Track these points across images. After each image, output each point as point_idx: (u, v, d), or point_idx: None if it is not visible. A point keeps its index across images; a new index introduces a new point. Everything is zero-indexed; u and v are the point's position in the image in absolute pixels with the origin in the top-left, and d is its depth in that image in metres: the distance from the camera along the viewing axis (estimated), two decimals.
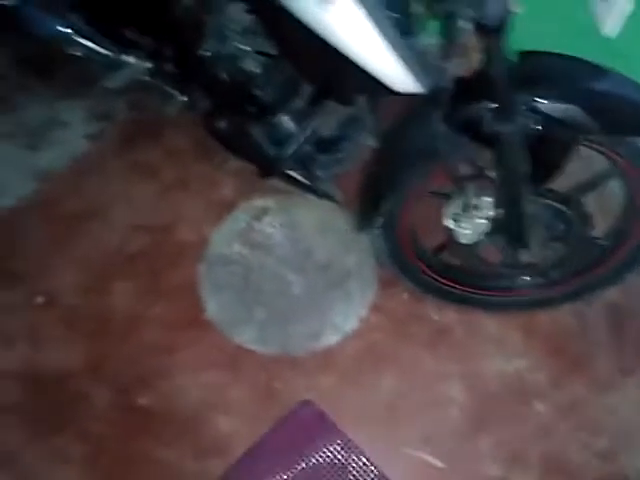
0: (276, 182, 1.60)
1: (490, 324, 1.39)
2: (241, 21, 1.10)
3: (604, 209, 1.24)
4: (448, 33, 0.81)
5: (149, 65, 1.33)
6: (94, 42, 1.36)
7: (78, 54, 1.38)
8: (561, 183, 1.07)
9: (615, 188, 1.15)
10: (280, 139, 1.22)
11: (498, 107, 0.88)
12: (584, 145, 0.99)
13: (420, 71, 0.81)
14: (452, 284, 1.30)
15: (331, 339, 1.40)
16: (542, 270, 1.27)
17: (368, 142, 1.33)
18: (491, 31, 0.78)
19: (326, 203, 1.54)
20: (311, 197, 1.51)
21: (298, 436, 1.27)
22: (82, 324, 1.42)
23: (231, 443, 1.28)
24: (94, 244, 1.52)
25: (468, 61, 0.86)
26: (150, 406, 1.32)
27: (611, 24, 0.82)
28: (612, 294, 1.34)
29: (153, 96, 1.38)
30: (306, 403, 1.29)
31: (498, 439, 1.27)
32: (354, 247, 1.52)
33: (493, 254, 1.24)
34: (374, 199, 1.15)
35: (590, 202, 1.17)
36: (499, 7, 0.75)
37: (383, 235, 1.20)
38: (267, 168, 1.28)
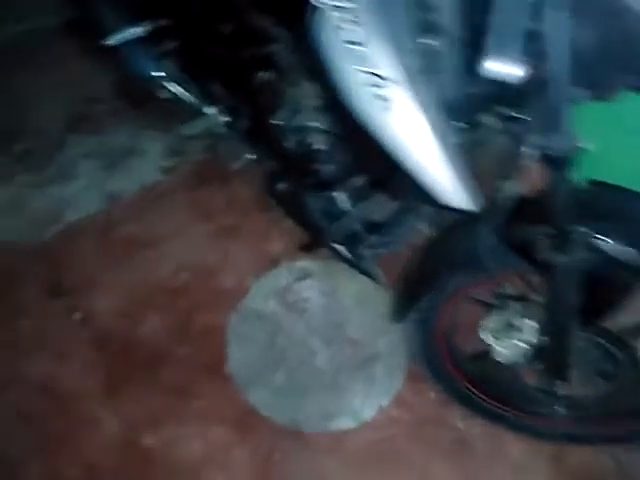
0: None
1: (516, 447, 1.28)
2: (315, 98, 1.13)
3: None
4: (511, 152, 0.79)
5: (227, 119, 1.39)
6: (182, 89, 1.44)
7: (166, 97, 1.46)
8: (617, 322, 0.99)
9: None
10: (333, 213, 1.22)
11: (555, 236, 0.83)
12: None
13: (474, 189, 0.78)
14: (483, 396, 1.22)
15: (346, 423, 1.34)
16: (582, 405, 1.17)
17: (423, 229, 1.32)
18: (556, 162, 0.74)
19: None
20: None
21: None
22: (109, 348, 1.45)
23: None
24: (142, 272, 1.57)
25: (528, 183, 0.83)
26: (152, 448, 1.31)
27: None
28: None
29: (226, 146, 1.44)
30: None
31: None
32: (389, 329, 1.47)
33: (531, 376, 1.16)
34: (413, 293, 1.11)
35: None
36: (567, 140, 0.72)
37: (418, 330, 1.16)
38: (314, 237, 1.28)
